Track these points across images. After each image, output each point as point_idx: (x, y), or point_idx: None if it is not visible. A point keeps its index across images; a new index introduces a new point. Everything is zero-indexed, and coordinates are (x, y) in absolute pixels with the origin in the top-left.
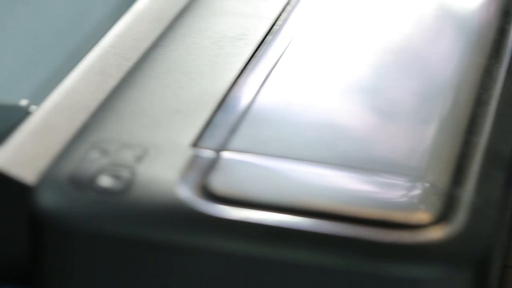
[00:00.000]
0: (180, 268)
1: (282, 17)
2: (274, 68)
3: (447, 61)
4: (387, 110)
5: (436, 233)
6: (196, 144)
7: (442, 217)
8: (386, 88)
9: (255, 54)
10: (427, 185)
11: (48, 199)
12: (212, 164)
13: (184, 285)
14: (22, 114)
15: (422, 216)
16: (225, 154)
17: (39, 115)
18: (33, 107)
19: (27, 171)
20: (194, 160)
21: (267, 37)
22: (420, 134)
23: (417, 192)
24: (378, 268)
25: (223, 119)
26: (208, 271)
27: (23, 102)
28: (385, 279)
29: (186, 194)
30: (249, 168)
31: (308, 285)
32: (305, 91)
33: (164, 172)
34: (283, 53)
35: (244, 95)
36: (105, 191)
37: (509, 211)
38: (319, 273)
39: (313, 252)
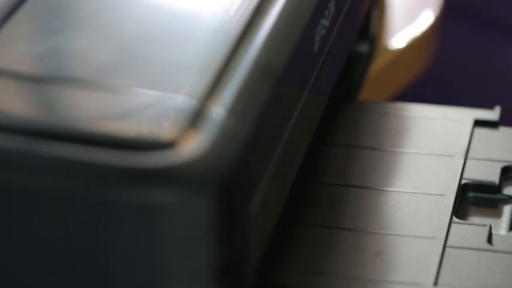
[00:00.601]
0: None
1: None
2: None
3: None
4: (152, 20)
5: (175, 154)
6: None
7: (185, 136)
8: None
9: None
10: (172, 100)
11: None
12: None
13: None
14: None
15: (160, 135)
16: None
17: None
18: None
19: None
20: None
21: None
22: (182, 47)
23: (159, 108)
24: (108, 194)
25: None
26: None
27: None
28: (117, 206)
29: None
30: None
31: (33, 211)
32: (67, 4)
33: None
34: None
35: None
36: None
37: (291, 128)
38: (44, 199)
39: (38, 176)
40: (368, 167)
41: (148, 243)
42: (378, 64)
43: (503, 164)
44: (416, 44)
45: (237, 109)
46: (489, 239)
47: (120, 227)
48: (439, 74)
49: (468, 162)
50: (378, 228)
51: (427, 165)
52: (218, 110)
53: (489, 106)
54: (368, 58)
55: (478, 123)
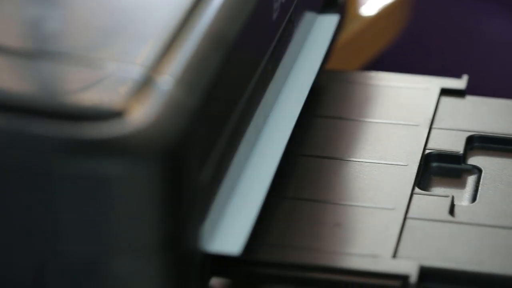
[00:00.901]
0: None
1: None
2: None
3: None
4: None
5: (122, 124)
6: None
7: (132, 106)
8: None
9: None
10: (120, 70)
11: None
12: None
13: None
14: None
15: (107, 105)
16: None
17: None
18: None
19: None
20: None
21: None
22: (131, 15)
23: (106, 78)
24: (56, 165)
25: None
26: None
27: None
28: (65, 177)
29: None
30: None
31: None
32: None
33: None
34: None
35: None
36: None
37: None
38: None
39: None
40: (332, 136)
41: (96, 214)
42: (349, 31)
43: (468, 134)
44: (389, 11)
45: (187, 78)
46: (451, 210)
47: (69, 198)
48: (413, 41)
49: (433, 132)
50: (339, 199)
51: (391, 134)
52: (167, 80)
53: (465, 73)
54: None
55: (445, 92)
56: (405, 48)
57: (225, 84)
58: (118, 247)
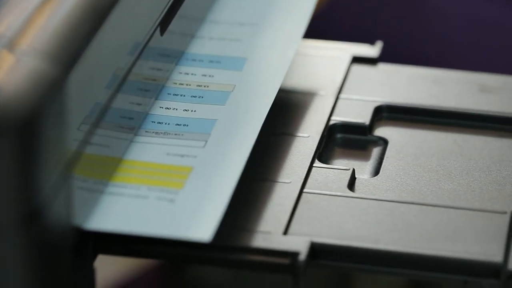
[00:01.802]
0: None
1: None
2: None
3: None
4: None
5: None
6: None
7: None
8: None
9: None
10: None
11: None
12: None
13: None
14: None
15: None
16: None
17: None
18: None
19: None
20: None
21: None
22: None
23: None
24: None
25: None
26: None
27: None
28: None
29: None
30: None
31: None
32: None
33: None
34: None
35: None
36: None
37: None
38: None
39: None
40: None
41: None
42: None
43: (377, 104)
44: None
45: (51, 49)
46: (351, 184)
47: None
48: (346, 7)
49: (340, 102)
50: None
51: (295, 104)
52: (28, 51)
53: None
54: None
55: (357, 59)
56: (337, 14)
57: (100, 53)
58: None
